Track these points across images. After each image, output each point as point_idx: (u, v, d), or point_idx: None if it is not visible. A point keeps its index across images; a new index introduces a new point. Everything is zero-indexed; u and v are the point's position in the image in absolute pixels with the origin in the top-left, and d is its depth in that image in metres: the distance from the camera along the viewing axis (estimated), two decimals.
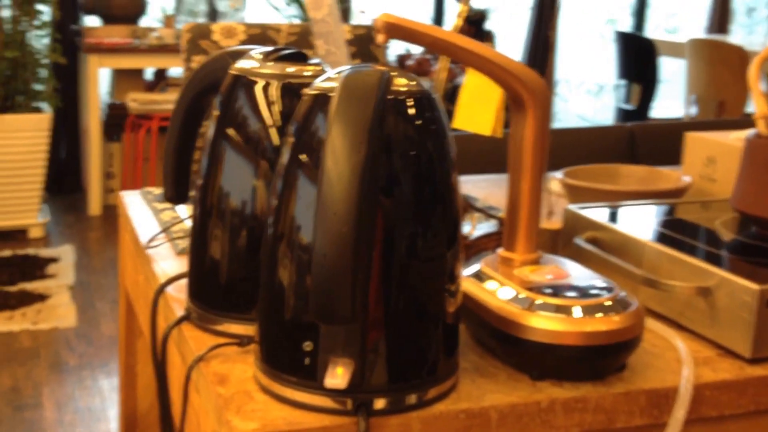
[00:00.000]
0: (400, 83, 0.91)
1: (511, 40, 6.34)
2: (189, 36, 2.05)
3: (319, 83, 0.91)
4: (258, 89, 1.03)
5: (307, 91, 0.91)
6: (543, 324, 0.98)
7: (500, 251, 1.10)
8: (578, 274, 1.07)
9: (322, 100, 0.88)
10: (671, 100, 6.38)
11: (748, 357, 1.06)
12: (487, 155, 2.13)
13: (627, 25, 7.09)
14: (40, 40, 4.49)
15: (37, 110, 4.45)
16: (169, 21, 4.98)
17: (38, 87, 4.44)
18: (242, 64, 1.06)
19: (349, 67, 0.90)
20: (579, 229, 1.33)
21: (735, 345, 1.07)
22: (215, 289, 1.08)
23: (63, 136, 5.22)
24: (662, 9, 7.88)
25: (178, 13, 4.96)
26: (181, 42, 2.08)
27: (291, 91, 0.99)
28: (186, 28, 2.06)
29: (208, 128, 1.06)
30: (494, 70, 1.02)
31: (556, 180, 1.59)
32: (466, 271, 1.09)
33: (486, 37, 5.37)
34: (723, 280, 1.07)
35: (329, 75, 0.91)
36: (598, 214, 1.32)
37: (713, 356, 1.08)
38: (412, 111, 0.90)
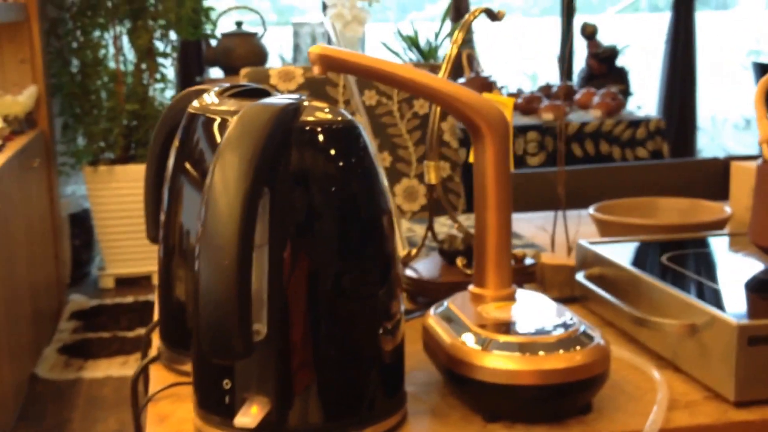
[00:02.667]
0: (321, 117, 0.88)
1: (646, 76, 6.20)
2: (246, 81, 2.06)
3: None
4: (215, 127, 1.02)
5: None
6: (495, 363, 0.92)
7: (470, 287, 1.05)
8: (545, 309, 1.01)
9: None
10: None
11: (733, 400, 0.98)
12: (540, 193, 2.07)
13: None
14: (163, 93, 4.64)
15: None
16: None
17: None
18: (201, 101, 1.04)
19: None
20: (588, 264, 1.27)
21: (721, 387, 0.99)
22: (180, 329, 1.07)
23: None
24: None
25: (297, 62, 5.04)
26: None
27: None
28: (244, 73, 2.08)
29: (168, 167, 1.06)
30: (444, 99, 0.98)
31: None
32: (434, 309, 1.05)
33: (619, 74, 5.25)
34: (710, 318, 1.00)
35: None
36: (607, 249, 1.26)
37: (699, 399, 1.00)
38: (331, 145, 0.87)
